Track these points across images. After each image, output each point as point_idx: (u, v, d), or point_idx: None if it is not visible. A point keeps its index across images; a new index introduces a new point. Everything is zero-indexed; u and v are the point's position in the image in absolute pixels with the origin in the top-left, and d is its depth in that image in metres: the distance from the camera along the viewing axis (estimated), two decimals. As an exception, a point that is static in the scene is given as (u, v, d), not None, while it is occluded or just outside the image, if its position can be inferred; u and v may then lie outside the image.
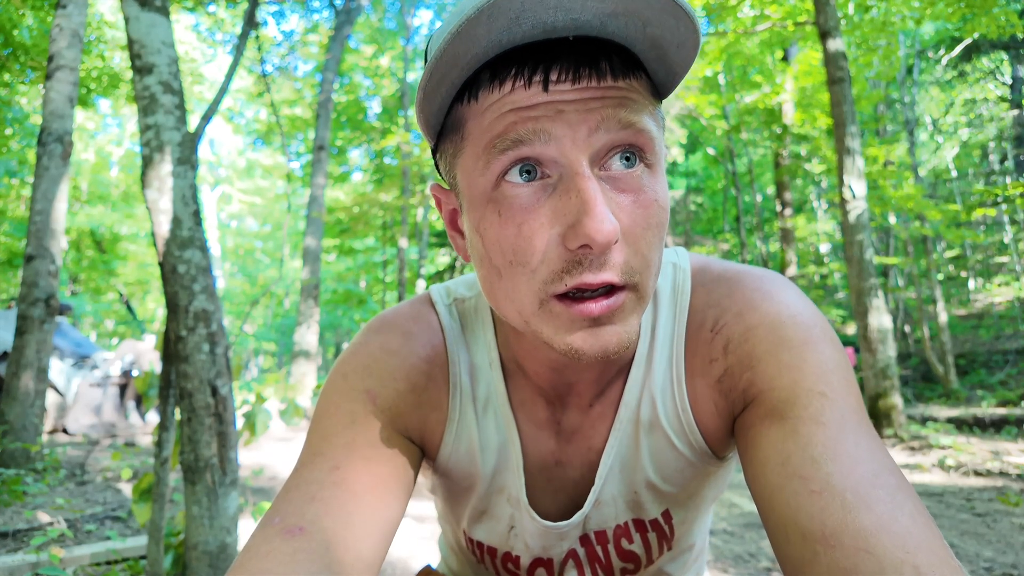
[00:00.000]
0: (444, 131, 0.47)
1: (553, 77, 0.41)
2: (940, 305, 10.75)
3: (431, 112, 0.45)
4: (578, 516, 0.60)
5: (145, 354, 7.99)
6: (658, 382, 0.57)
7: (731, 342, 0.53)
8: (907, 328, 14.14)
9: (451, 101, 0.45)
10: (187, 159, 1.97)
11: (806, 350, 0.49)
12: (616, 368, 0.57)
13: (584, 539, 0.63)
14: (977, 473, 4.27)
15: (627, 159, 0.43)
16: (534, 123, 0.41)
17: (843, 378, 0.48)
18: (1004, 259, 15.82)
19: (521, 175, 0.43)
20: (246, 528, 2.69)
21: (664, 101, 0.46)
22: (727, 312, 0.54)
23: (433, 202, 0.54)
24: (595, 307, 0.42)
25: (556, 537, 0.62)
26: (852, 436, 0.43)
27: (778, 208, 11.79)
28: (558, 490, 0.62)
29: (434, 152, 0.51)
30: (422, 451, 0.61)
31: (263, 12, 14.46)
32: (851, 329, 14.40)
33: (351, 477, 0.51)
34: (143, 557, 2.60)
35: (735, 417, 0.54)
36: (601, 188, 0.42)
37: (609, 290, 0.43)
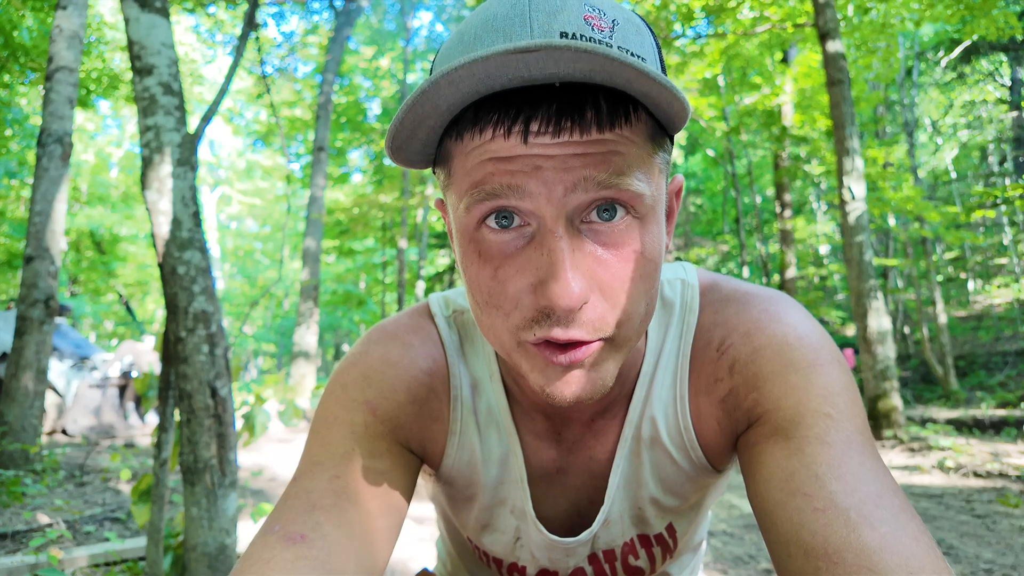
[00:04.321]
0: (437, 158, 0.46)
1: (533, 128, 0.39)
2: (939, 307, 10.74)
3: (413, 152, 0.44)
4: (586, 534, 0.60)
5: (144, 355, 7.99)
6: (661, 399, 0.57)
7: (737, 362, 0.53)
8: (907, 330, 14.14)
9: (440, 134, 0.44)
10: (187, 160, 1.97)
11: (813, 372, 0.49)
12: (619, 387, 0.57)
13: (592, 558, 0.64)
14: (977, 475, 4.27)
15: (607, 211, 0.42)
16: (510, 177, 0.40)
17: (849, 400, 0.48)
18: (1003, 261, 15.82)
19: (498, 222, 0.42)
20: (245, 529, 2.68)
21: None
22: (734, 332, 0.54)
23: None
24: (563, 358, 0.42)
25: (563, 552, 0.62)
26: (857, 456, 0.43)
27: (777, 210, 11.78)
28: (561, 499, 0.62)
29: (433, 170, 0.50)
30: (422, 461, 0.61)
31: (263, 13, 14.47)
32: (850, 331, 14.42)
33: (352, 486, 0.51)
34: (142, 558, 2.59)
35: (738, 435, 0.54)
36: (579, 243, 0.41)
37: (579, 342, 0.42)
